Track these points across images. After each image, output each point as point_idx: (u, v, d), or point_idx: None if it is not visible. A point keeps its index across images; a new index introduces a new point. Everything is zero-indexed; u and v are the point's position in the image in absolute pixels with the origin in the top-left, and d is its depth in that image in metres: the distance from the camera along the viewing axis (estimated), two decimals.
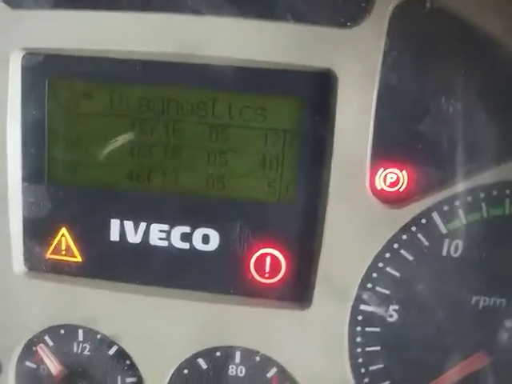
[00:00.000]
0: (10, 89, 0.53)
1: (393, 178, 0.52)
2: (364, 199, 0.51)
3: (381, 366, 0.55)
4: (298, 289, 0.55)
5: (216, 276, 0.56)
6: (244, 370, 0.57)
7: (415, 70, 0.49)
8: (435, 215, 0.51)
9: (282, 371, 0.55)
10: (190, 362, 0.57)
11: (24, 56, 0.54)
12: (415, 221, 0.51)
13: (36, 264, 0.58)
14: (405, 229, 0.52)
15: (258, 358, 0.56)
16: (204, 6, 0.50)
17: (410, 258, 0.52)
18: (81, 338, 0.58)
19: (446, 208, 0.51)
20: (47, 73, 0.54)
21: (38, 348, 0.59)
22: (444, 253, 0.52)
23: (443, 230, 0.52)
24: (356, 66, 0.49)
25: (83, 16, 0.52)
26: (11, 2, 0.52)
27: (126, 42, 0.52)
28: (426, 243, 0.52)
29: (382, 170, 0.52)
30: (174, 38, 0.51)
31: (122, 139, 0.54)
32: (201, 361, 0.57)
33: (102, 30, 0.52)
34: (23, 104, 0.55)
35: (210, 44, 0.50)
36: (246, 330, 0.55)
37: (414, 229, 0.52)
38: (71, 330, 0.58)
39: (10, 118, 0.54)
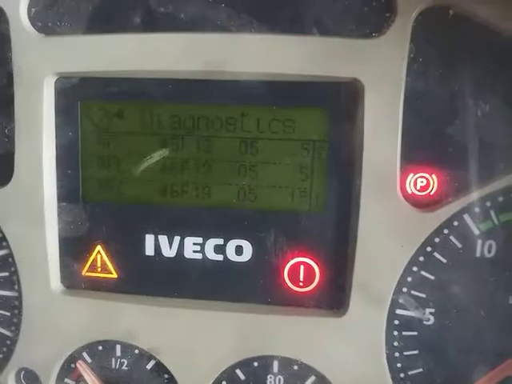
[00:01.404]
0: (44, 111, 0.55)
1: (423, 182, 0.53)
2: (395, 204, 0.52)
3: (420, 370, 0.55)
4: (334, 296, 0.55)
5: (251, 286, 0.57)
6: (282, 379, 0.57)
7: (441, 75, 0.50)
8: (467, 217, 0.52)
9: (321, 379, 0.56)
10: (228, 373, 0.57)
11: (57, 80, 0.55)
12: (447, 223, 0.52)
13: (73, 282, 0.59)
14: (437, 232, 0.52)
15: (295, 367, 0.56)
16: (231, 24, 0.52)
17: (444, 260, 0.53)
18: (119, 353, 0.59)
19: (477, 209, 0.52)
20: (79, 95, 0.56)
21: (76, 365, 0.59)
22: (478, 254, 0.52)
23: (476, 231, 0.52)
24: (381, 74, 0.50)
25: (112, 40, 0.53)
26: (44, 29, 0.54)
27: (155, 62, 0.53)
28: (459, 245, 0.53)
29: (411, 174, 0.52)
30: (201, 56, 0.52)
31: (154, 156, 0.56)
32: (239, 372, 0.57)
33: (131, 52, 0.53)
34: (57, 125, 0.56)
35: (237, 60, 0.52)
36: (282, 339, 0.55)
37: (446, 231, 0.52)
38: (109, 345, 0.59)
39: (45, 140, 0.55)
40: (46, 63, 0.54)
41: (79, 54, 0.54)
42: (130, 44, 0.53)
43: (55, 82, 0.55)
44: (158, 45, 0.53)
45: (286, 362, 0.56)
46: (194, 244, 0.57)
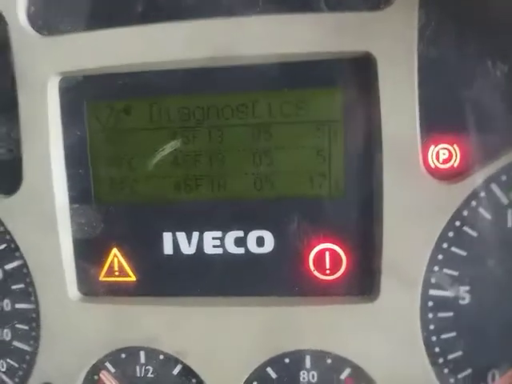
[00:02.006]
0: (49, 113, 0.53)
1: (445, 153, 0.51)
2: (420, 179, 0.50)
3: (459, 353, 0.52)
4: (363, 281, 0.53)
5: (275, 278, 0.54)
6: (316, 374, 0.54)
7: (454, 39, 0.48)
8: (494, 186, 0.50)
9: (357, 371, 0.53)
10: (259, 372, 0.55)
11: (61, 80, 0.54)
12: (474, 195, 0.50)
13: (90, 288, 0.57)
14: (465, 204, 0.50)
15: (329, 360, 0.54)
16: (236, 7, 0.51)
17: (475, 234, 0.51)
18: (143, 360, 0.57)
19: (504, 177, 0.49)
20: (85, 93, 0.55)
21: (100, 375, 0.57)
22: (509, 224, 0.50)
23: (505, 200, 0.50)
24: (393, 44, 0.48)
25: (114, 34, 0.52)
26: (44, 29, 0.53)
27: (160, 53, 0.52)
28: (489, 216, 0.50)
29: (432, 147, 0.50)
30: (207, 42, 0.51)
31: (165, 151, 0.54)
32: (270, 370, 0.55)
33: (134, 45, 0.52)
34: (64, 126, 0.55)
35: (244, 43, 0.50)
36: (313, 330, 0.53)
37: (474, 203, 0.50)
38: (132, 352, 0.57)
39: (52, 142, 0.54)
40: (49, 63, 0.53)
41: (82, 51, 0.53)
42: (133, 37, 0.52)
43: (59, 82, 0.54)
44: (162, 35, 0.51)
45: (318, 356, 0.54)
46: (213, 239, 0.55)
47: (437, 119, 0.50)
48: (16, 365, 0.59)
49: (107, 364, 0.57)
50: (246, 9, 0.50)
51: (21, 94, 0.53)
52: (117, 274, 0.57)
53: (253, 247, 0.54)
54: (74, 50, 0.53)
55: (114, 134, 0.55)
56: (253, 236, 0.54)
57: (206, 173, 0.54)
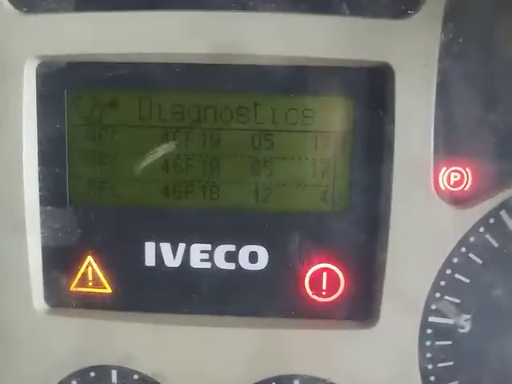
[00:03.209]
0: (24, 102, 0.47)
1: (457, 176, 0.48)
2: (429, 201, 0.47)
3: (455, 383, 0.50)
4: (361, 305, 0.50)
5: (267, 298, 0.51)
6: None
7: (478, 57, 0.46)
8: (503, 213, 0.48)
9: None
10: None
11: (39, 65, 0.48)
12: (483, 221, 0.48)
13: (59, 299, 0.51)
14: (472, 231, 0.48)
15: None
16: (249, 1, 0.46)
17: (480, 261, 0.49)
18: (114, 380, 0.51)
19: None
20: (66, 82, 0.49)
21: None
22: None
23: None
24: (413, 57, 0.45)
25: (105, 18, 0.47)
26: (24, 5, 0.47)
27: (155, 43, 0.47)
28: (496, 244, 0.48)
29: (444, 168, 0.48)
30: (209, 36, 0.46)
31: (154, 152, 0.49)
32: None
33: (126, 31, 0.47)
34: (40, 117, 0.49)
35: (252, 41, 0.46)
36: (305, 355, 0.49)
37: (482, 230, 0.48)
38: (103, 371, 0.51)
39: (25, 135, 0.48)
40: (27, 45, 0.47)
41: (66, 34, 0.47)
42: (125, 23, 0.46)
43: (37, 68, 0.48)
44: (159, 24, 0.46)
45: (308, 382, 0.50)
46: (201, 252, 0.50)
47: (451, 140, 0.47)
48: None
49: (74, 383, 0.52)
50: (260, 3, 0.46)
51: None
52: (90, 284, 0.51)
53: (245, 263, 0.50)
54: (57, 31, 0.46)
55: (97, 129, 0.49)
56: (245, 251, 0.50)
57: (198, 179, 0.49)
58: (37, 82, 0.48)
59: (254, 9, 0.46)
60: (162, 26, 0.46)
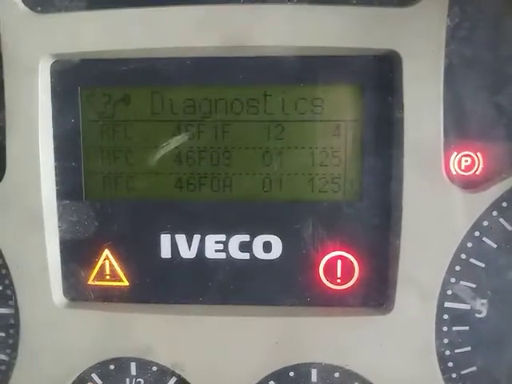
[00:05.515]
0: (40, 99, 0.48)
1: (467, 161, 0.48)
2: (441, 186, 0.47)
3: (473, 368, 0.50)
4: (376, 292, 0.50)
5: (282, 287, 0.51)
6: None
7: (485, 40, 0.46)
8: None
9: None
10: None
11: (54, 62, 0.49)
12: (495, 205, 0.48)
13: (78, 293, 0.52)
14: (485, 214, 0.48)
15: (337, 375, 0.50)
16: None
17: (494, 245, 0.49)
18: (134, 372, 0.52)
19: None
20: (79, 79, 0.50)
21: None
22: None
23: None
24: (420, 43, 0.46)
25: (117, 15, 0.48)
26: (38, 4, 0.48)
27: (167, 38, 0.48)
28: (510, 227, 0.48)
29: (455, 153, 0.48)
30: (220, 29, 0.47)
31: (167, 145, 0.50)
32: None
33: (140, 28, 0.48)
34: (55, 114, 0.50)
35: (261, 34, 0.47)
36: (321, 343, 0.50)
37: (495, 213, 0.48)
38: (122, 364, 0.52)
39: (41, 131, 0.49)
40: (41, 44, 0.48)
41: (79, 32, 0.48)
42: (137, 20, 0.47)
43: (51, 65, 0.49)
44: (170, 19, 0.47)
45: (325, 370, 0.50)
46: (216, 242, 0.51)
47: (461, 125, 0.48)
48: None
49: (94, 376, 0.52)
50: None
51: (8, 75, 0.48)
52: (108, 277, 0.52)
53: (259, 253, 0.51)
54: (70, 30, 0.48)
55: (111, 124, 0.50)
56: (259, 241, 0.51)
57: (210, 171, 0.50)
58: (51, 79, 0.49)
59: (263, 1, 0.47)
60: (173, 22, 0.47)
